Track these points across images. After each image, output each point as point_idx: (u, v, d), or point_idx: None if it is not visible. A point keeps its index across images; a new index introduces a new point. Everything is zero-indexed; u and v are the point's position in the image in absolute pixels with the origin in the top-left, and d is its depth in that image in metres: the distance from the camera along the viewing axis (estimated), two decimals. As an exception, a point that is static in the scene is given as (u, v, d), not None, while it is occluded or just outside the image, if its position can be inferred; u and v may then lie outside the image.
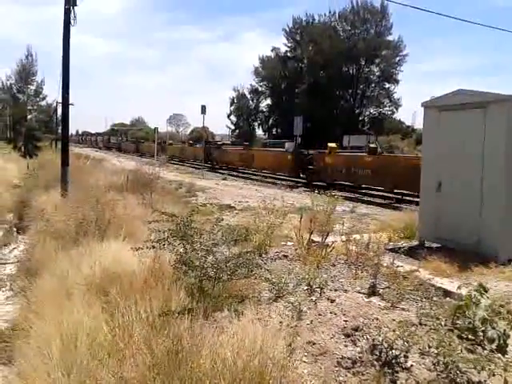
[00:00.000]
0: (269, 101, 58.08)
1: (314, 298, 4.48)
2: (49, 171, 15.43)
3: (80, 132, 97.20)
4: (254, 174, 24.02)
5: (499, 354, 3.20)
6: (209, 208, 11.06)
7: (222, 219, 5.55)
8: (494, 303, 3.54)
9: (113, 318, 3.71)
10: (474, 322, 3.44)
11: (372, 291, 4.73)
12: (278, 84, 54.40)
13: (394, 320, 3.97)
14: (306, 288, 4.74)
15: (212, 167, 29.65)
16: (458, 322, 3.59)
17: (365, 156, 17.67)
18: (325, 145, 20.76)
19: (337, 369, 3.34)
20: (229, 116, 60.99)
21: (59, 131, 26.05)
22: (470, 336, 3.43)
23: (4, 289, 6.78)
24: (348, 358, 3.43)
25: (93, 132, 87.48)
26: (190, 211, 5.06)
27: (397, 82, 50.17)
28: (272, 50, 56.14)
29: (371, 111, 52.84)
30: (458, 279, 5.39)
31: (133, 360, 3.06)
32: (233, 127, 60.99)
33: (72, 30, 11.81)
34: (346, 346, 3.62)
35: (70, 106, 12.62)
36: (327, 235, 6.48)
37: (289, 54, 54.87)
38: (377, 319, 4.02)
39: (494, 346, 3.27)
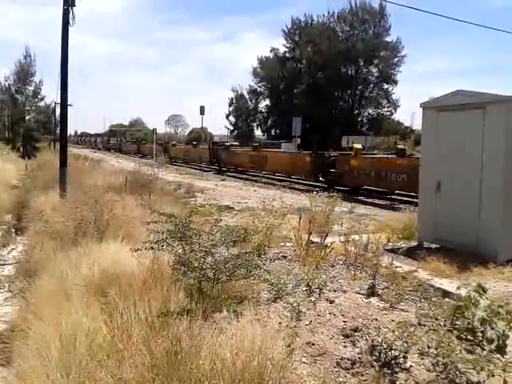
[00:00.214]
0: (267, 101, 58.07)
1: (313, 299, 4.48)
2: (47, 172, 15.43)
3: (79, 133, 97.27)
4: (272, 178, 22.06)
5: (498, 355, 3.21)
6: (208, 209, 11.07)
7: (221, 220, 5.55)
8: (493, 304, 3.54)
9: (112, 318, 3.71)
10: (473, 322, 3.44)
11: (371, 292, 4.74)
12: (277, 85, 54.38)
13: (393, 320, 3.97)
14: (305, 289, 4.74)
15: (219, 170, 28.08)
16: (457, 322, 3.59)
17: (396, 158, 15.71)
18: (325, 145, 20.64)
19: (336, 369, 3.34)
20: (227, 117, 60.98)
21: (58, 132, 26.03)
22: (469, 336, 3.44)
23: (3, 290, 6.77)
24: (347, 359, 3.43)
25: (91, 133, 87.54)
26: (189, 212, 5.06)
27: (395, 82, 50.20)
28: (271, 51, 56.16)
29: (370, 112, 52.83)
30: (457, 280, 5.40)
31: (132, 361, 3.05)
32: (231, 128, 60.95)
33: (71, 30, 11.85)
34: (345, 346, 3.63)
35: (69, 107, 12.64)
36: (326, 236, 6.48)
37: (287, 55, 54.85)
38: (376, 320, 4.02)
39: (493, 347, 3.28)
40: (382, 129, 44.93)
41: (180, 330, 3.28)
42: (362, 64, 49.67)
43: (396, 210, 11.29)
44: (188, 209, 6.57)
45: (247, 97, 59.97)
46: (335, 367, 3.36)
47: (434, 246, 7.17)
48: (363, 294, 4.70)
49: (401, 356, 3.37)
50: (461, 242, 6.61)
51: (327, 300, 4.46)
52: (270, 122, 57.98)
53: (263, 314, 4.06)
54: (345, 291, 4.78)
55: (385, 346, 3.43)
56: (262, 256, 6.06)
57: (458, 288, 4.32)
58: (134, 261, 4.75)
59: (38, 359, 3.45)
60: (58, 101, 14.29)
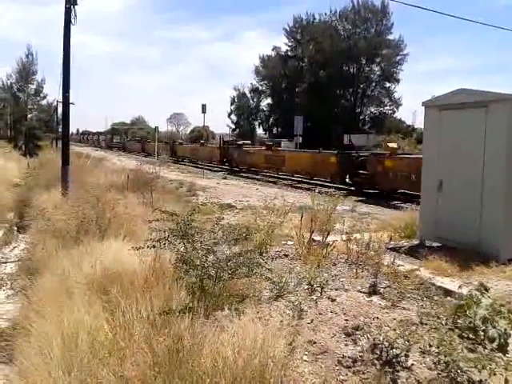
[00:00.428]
0: (269, 100, 58.14)
1: (314, 297, 4.48)
2: (49, 170, 15.44)
3: (80, 131, 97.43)
4: (292, 179, 20.96)
5: (500, 353, 3.20)
6: (209, 207, 11.07)
7: (223, 218, 5.55)
8: (495, 302, 3.54)
9: (114, 316, 3.71)
10: (475, 321, 3.43)
11: (373, 290, 4.74)
12: (279, 83, 54.38)
13: (394, 319, 3.97)
14: (306, 287, 4.75)
15: (230, 170, 26.52)
16: (458, 321, 3.59)
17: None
18: (325, 144, 20.32)
19: (337, 368, 3.34)
20: (229, 115, 61.02)
21: (60, 130, 26.05)
22: (470, 335, 3.44)
23: (5, 288, 6.77)
24: (349, 357, 3.44)
25: (93, 131, 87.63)
26: (191, 210, 5.06)
27: (397, 81, 50.17)
28: (273, 50, 56.20)
29: (372, 110, 52.83)
30: (458, 278, 5.39)
31: (134, 359, 3.06)
32: (233, 126, 60.98)
33: (72, 28, 11.81)
34: (346, 345, 3.63)
35: (71, 105, 12.63)
36: (328, 234, 6.48)
37: (289, 53, 54.84)
38: (377, 318, 4.02)
39: (494, 345, 3.27)
40: (383, 127, 44.82)
41: (182, 328, 3.29)
42: (364, 62, 49.64)
43: (398, 209, 11.29)
44: (190, 207, 6.56)
45: (249, 95, 60.06)
46: (336, 365, 3.36)
47: (435, 244, 7.16)
48: (365, 293, 4.70)
49: (402, 354, 3.36)
50: (463, 240, 6.60)
51: (329, 298, 4.46)
52: (271, 120, 58.00)
53: (265, 313, 4.07)
54: (346, 290, 4.78)
55: (386, 344, 3.43)
56: (264, 254, 6.04)
57: (460, 287, 4.33)
58: (136, 259, 4.75)
59: (39, 357, 3.46)
60: (60, 99, 14.29)
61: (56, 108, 34.20)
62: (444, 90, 7.46)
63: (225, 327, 3.48)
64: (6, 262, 8.29)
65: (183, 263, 4.30)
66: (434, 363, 3.30)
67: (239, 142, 29.42)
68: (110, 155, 39.60)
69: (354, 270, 5.44)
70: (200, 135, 47.83)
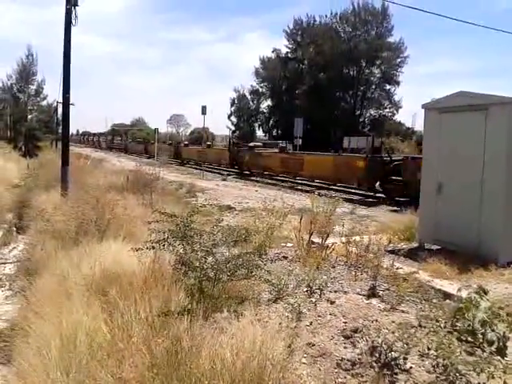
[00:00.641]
0: (269, 102, 58.14)
1: (313, 300, 4.48)
2: (49, 171, 15.44)
3: (80, 132, 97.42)
4: (312, 185, 18.96)
5: (498, 357, 3.21)
6: (209, 209, 11.06)
7: (222, 220, 5.55)
8: (494, 305, 3.54)
9: (112, 318, 3.71)
10: (474, 324, 3.43)
11: (372, 293, 4.73)
12: (279, 85, 54.42)
13: (393, 322, 3.97)
14: (305, 289, 4.75)
15: (241, 173, 24.94)
16: (457, 324, 3.59)
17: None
18: (326, 146, 19.89)
19: (336, 370, 3.34)
20: (229, 117, 61.01)
21: (59, 131, 26.05)
22: (469, 338, 3.44)
23: (3, 288, 6.76)
24: (347, 360, 3.43)
25: (93, 132, 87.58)
26: (190, 212, 5.06)
27: (397, 83, 50.18)
28: (273, 51, 56.23)
29: (371, 113, 52.84)
30: (457, 281, 5.40)
31: (132, 360, 3.06)
32: (233, 128, 60.95)
33: (73, 29, 11.83)
34: (345, 347, 3.62)
35: (71, 106, 12.64)
36: (327, 237, 6.48)
37: (289, 55, 54.88)
38: (376, 321, 4.02)
39: (493, 349, 3.28)
40: (383, 130, 44.87)
41: (180, 329, 3.28)
42: (364, 65, 49.66)
43: (397, 212, 11.29)
44: (189, 208, 6.57)
45: (249, 97, 60.05)
46: (335, 368, 3.36)
47: (434, 247, 7.16)
48: (364, 295, 4.70)
49: (401, 357, 3.36)
50: (462, 243, 6.60)
51: (328, 301, 4.46)
52: (271, 122, 58.01)
53: (264, 315, 4.06)
54: (345, 292, 4.78)
55: (385, 347, 3.43)
56: (263, 256, 6.05)
57: (459, 290, 4.32)
58: (135, 260, 4.75)
59: (38, 358, 3.45)
60: (60, 100, 14.31)
61: (56, 109, 34.27)
62: (444, 93, 7.48)
63: (223, 329, 3.47)
64: (4, 263, 8.28)
65: (182, 265, 4.30)
66: (433, 366, 3.30)
67: (250, 144, 27.93)
68: (110, 156, 39.59)
69: (353, 273, 5.44)
70: (200, 137, 47.86)
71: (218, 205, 12.59)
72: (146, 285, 4.27)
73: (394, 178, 15.11)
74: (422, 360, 3.41)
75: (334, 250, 6.06)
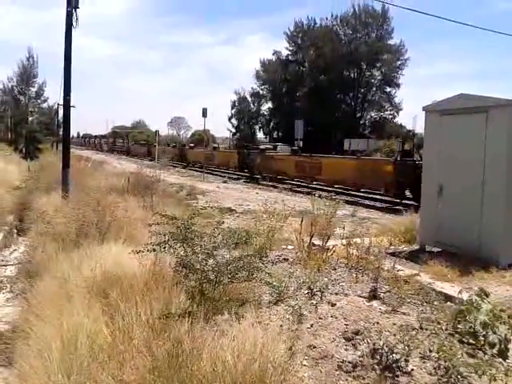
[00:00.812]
0: (270, 104, 58.15)
1: (314, 302, 4.47)
2: (50, 173, 15.45)
3: (81, 134, 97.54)
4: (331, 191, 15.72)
5: (500, 359, 3.21)
6: (209, 211, 11.06)
7: (223, 222, 5.55)
8: (495, 308, 3.54)
9: (113, 320, 3.71)
10: (475, 326, 3.44)
11: (373, 295, 4.72)
12: (279, 87, 54.46)
13: (394, 324, 3.96)
14: (306, 292, 4.74)
15: (251, 177, 23.84)
16: (458, 326, 3.59)
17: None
18: (326, 148, 19.65)
19: (337, 372, 3.33)
20: (230, 119, 61.02)
21: (60, 133, 26.05)
22: (470, 340, 3.44)
23: (4, 291, 6.76)
24: (349, 362, 3.43)
25: (94, 134, 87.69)
26: (191, 214, 5.06)
27: (398, 86, 50.22)
28: (273, 54, 56.28)
29: (372, 115, 52.84)
30: (458, 284, 5.39)
31: (133, 363, 3.06)
32: (234, 130, 61.01)
33: (74, 32, 11.86)
34: (346, 349, 3.62)
35: (72, 108, 12.66)
36: (328, 239, 6.47)
37: (290, 58, 54.95)
38: (377, 323, 4.01)
39: (494, 351, 3.27)
40: (384, 132, 44.87)
41: (181, 332, 3.28)
42: (364, 67, 49.71)
43: (398, 214, 11.28)
44: (190, 211, 6.57)
45: (249, 99, 60.06)
46: (336, 370, 3.36)
47: (435, 249, 7.15)
48: (365, 298, 4.69)
49: (402, 359, 3.36)
50: (463, 245, 6.59)
51: (329, 303, 4.46)
52: (272, 124, 58.03)
53: (265, 317, 4.06)
54: (346, 294, 4.77)
55: (386, 349, 3.42)
56: (264, 258, 6.04)
57: (460, 292, 4.32)
58: (136, 262, 4.75)
59: (39, 360, 3.45)
60: (61, 102, 14.32)
61: (57, 111, 34.24)
62: (445, 95, 7.50)
63: (224, 331, 3.47)
64: (5, 265, 8.29)
65: (183, 267, 4.30)
66: (434, 368, 3.29)
67: (261, 147, 26.85)
68: (110, 159, 39.60)
69: (354, 275, 5.43)
70: (201, 139, 47.81)
71: (218, 207, 12.61)
72: (146, 287, 4.27)
73: None
74: (424, 362, 3.40)
75: (334, 252, 6.05)
